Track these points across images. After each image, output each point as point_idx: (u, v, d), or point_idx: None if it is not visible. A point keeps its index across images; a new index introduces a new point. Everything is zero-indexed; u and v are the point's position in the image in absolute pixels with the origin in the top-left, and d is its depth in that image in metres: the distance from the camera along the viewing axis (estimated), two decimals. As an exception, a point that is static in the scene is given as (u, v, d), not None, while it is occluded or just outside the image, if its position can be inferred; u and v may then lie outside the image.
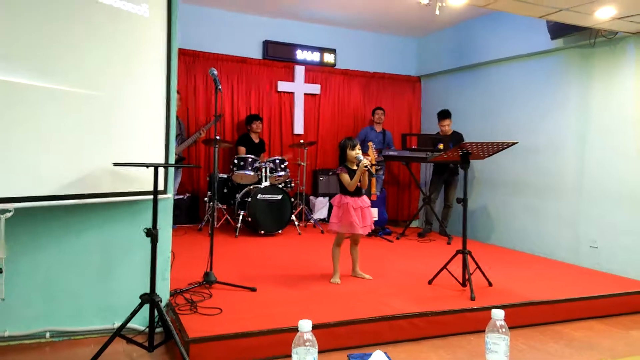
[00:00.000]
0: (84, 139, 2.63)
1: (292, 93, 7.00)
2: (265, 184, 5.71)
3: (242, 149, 6.26)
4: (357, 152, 3.74)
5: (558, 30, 4.90)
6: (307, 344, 1.28)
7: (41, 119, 2.45)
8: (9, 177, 2.35)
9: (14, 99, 2.35)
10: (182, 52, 6.09)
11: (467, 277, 3.57)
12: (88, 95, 2.63)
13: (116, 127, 2.78)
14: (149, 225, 2.58)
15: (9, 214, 2.36)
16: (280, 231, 5.77)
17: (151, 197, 2.64)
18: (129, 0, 2.79)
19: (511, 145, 3.71)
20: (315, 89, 7.10)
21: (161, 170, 2.87)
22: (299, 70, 6.98)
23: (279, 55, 6.85)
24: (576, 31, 4.74)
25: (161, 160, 3.02)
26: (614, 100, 4.78)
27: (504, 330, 1.48)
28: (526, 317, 3.35)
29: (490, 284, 3.75)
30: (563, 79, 5.30)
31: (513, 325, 1.58)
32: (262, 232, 5.65)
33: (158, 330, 2.69)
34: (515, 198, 5.86)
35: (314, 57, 7.03)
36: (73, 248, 2.86)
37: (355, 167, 3.74)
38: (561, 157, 5.28)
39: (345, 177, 3.73)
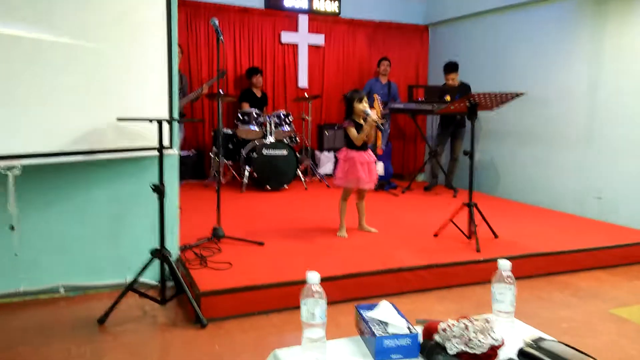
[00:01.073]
0: (87, 93, 2.60)
1: (296, 45, 6.83)
2: (270, 139, 5.67)
3: (246, 105, 6.18)
4: (364, 105, 3.66)
5: (572, -26, 4.70)
6: (315, 295, 1.27)
7: (43, 72, 2.41)
8: (14, 133, 2.34)
9: (13, 52, 2.30)
10: (182, 3, 5.89)
11: (472, 229, 3.59)
12: (88, 48, 2.58)
13: (118, 81, 2.74)
14: (156, 181, 2.59)
15: (17, 172, 2.37)
16: (286, 186, 5.78)
17: (156, 153, 2.63)
18: (125, -51, 2.68)
19: (519, 96, 3.63)
20: (320, 39, 6.91)
21: (165, 125, 2.84)
22: (303, 20, 6.77)
23: (281, 4, 6.63)
24: (591, -25, 4.54)
25: (165, 115, 2.98)
26: (627, 45, 4.63)
27: (510, 280, 1.49)
28: (531, 268, 3.39)
29: (495, 236, 3.77)
30: (576, 24, 5.12)
31: (518, 275, 1.59)
32: (268, 187, 5.67)
33: (169, 284, 2.74)
34: (523, 149, 5.80)
35: (318, 5, 6.79)
36: (82, 205, 2.89)
37: (362, 121, 3.69)
38: (571, 106, 5.17)
39: (353, 131, 3.68)
